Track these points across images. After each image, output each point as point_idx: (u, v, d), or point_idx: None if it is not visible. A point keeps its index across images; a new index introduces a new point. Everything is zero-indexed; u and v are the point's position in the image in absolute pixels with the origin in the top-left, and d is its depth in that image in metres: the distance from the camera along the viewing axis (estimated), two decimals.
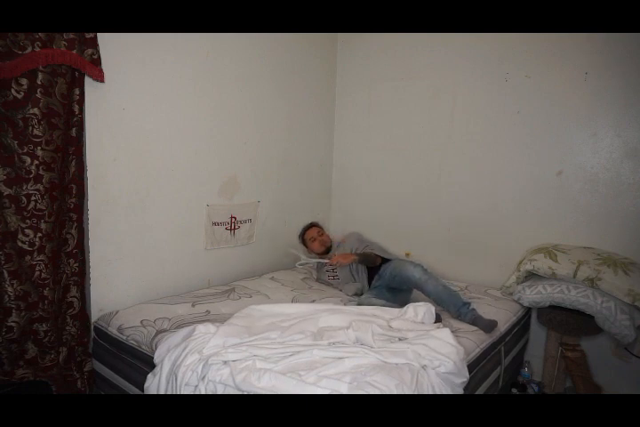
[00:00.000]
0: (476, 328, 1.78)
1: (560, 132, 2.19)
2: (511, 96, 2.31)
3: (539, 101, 2.23)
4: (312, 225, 2.64)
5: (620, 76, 2.01)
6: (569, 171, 2.18)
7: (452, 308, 1.89)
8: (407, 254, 2.75)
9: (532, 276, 2.14)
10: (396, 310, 1.75)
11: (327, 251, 2.52)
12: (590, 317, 1.86)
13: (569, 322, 1.96)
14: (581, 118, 2.13)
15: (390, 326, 1.58)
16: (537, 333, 2.33)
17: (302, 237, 2.61)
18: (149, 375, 1.43)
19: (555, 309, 2.00)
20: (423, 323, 1.64)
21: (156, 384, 1.37)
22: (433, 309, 1.72)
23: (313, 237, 2.53)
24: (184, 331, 1.50)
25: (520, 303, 2.08)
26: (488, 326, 1.78)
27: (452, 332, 1.52)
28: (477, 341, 1.67)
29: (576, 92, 2.13)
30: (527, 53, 2.25)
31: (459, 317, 1.86)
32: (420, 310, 1.69)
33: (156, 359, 1.45)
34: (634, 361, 2.03)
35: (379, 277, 2.23)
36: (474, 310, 1.88)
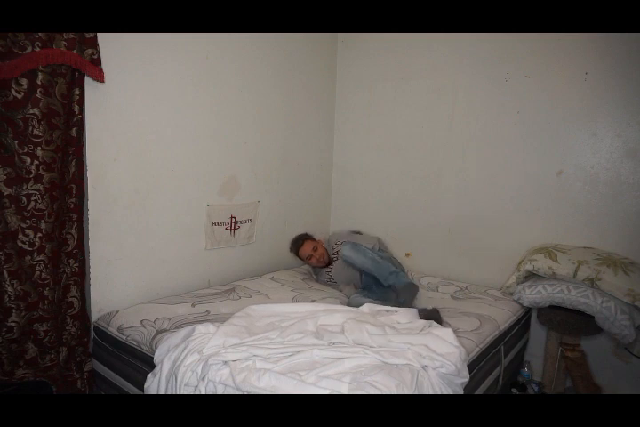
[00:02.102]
0: (477, 327, 1.78)
1: (560, 132, 2.19)
2: (511, 96, 2.31)
3: (539, 101, 2.23)
4: (303, 241, 2.49)
5: (620, 76, 2.01)
6: (569, 171, 2.18)
7: (381, 278, 1.95)
8: (407, 255, 2.75)
9: (532, 276, 2.14)
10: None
11: (329, 262, 2.47)
12: (590, 317, 1.86)
13: (569, 322, 1.96)
14: (581, 118, 2.13)
15: (389, 326, 1.58)
16: (537, 333, 2.33)
17: (297, 255, 2.52)
18: (149, 375, 1.43)
19: (555, 309, 2.00)
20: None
21: (156, 384, 1.37)
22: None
23: (309, 255, 2.44)
24: (184, 331, 1.50)
25: (520, 303, 2.08)
26: (410, 293, 1.85)
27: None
28: (477, 340, 1.67)
29: (576, 92, 2.13)
30: (527, 53, 2.25)
31: (389, 286, 1.92)
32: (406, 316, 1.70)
33: (156, 360, 1.45)
34: (634, 361, 2.03)
35: (363, 274, 2.25)
36: (404, 276, 1.96)
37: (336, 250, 2.44)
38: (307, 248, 2.44)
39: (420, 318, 1.78)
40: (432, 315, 1.81)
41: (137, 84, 1.85)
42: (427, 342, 1.42)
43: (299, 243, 2.49)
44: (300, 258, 2.54)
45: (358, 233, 2.70)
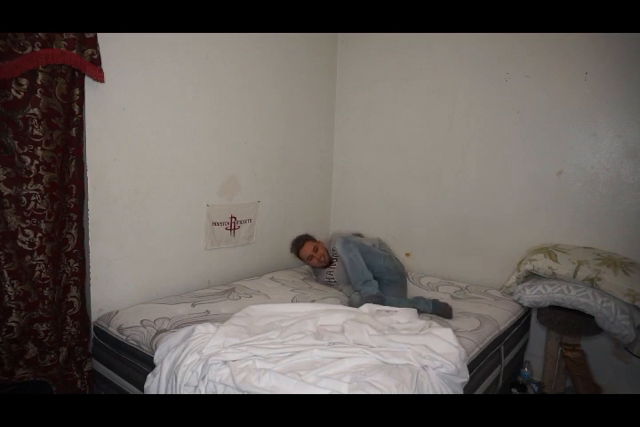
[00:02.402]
0: (476, 327, 1.78)
1: (560, 132, 2.19)
2: (511, 96, 2.31)
3: (539, 101, 2.23)
4: (304, 241, 2.48)
5: (620, 76, 2.01)
6: (569, 171, 2.18)
7: (352, 280, 2.11)
8: (407, 255, 2.75)
9: (532, 276, 2.14)
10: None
11: (330, 262, 2.46)
12: (590, 317, 1.86)
13: (569, 322, 1.96)
14: (581, 118, 2.13)
15: (389, 326, 1.58)
16: (537, 333, 2.33)
17: (297, 255, 2.51)
18: (149, 376, 1.43)
19: (555, 309, 2.00)
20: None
21: (156, 384, 1.37)
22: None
23: (310, 255, 2.42)
24: (184, 331, 1.50)
25: (520, 303, 2.08)
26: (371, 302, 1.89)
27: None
28: (477, 340, 1.67)
29: (576, 92, 2.13)
30: (527, 53, 2.25)
31: (357, 291, 2.03)
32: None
33: (156, 360, 1.45)
34: (634, 361, 2.03)
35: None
36: (371, 285, 2.02)
37: (332, 249, 2.45)
38: (307, 249, 2.44)
39: (432, 309, 1.84)
40: (444, 311, 1.85)
41: (137, 84, 1.85)
42: (426, 342, 1.42)
43: (299, 243, 2.49)
44: (300, 259, 2.53)
45: (359, 235, 2.70)
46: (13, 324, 1.53)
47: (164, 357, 1.41)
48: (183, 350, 1.38)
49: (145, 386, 1.42)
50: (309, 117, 2.83)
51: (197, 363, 1.32)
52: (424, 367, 1.31)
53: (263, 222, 2.60)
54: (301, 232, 2.67)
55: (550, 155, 2.22)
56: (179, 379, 1.30)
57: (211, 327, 1.48)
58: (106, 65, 1.67)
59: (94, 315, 1.84)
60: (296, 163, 2.78)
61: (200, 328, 1.47)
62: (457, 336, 1.51)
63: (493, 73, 2.36)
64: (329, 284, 2.42)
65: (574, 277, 1.91)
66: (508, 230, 2.38)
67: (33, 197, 1.53)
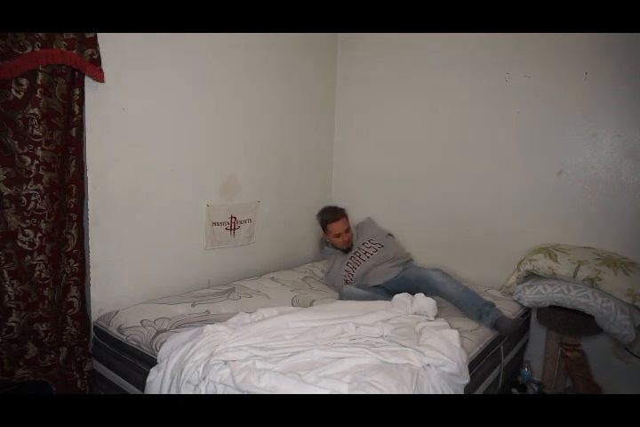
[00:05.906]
0: (476, 327, 1.78)
1: (560, 132, 2.19)
2: (511, 96, 2.31)
3: (539, 101, 2.23)
4: (341, 216, 2.38)
5: (620, 76, 2.01)
6: (569, 171, 2.18)
7: (473, 308, 1.81)
8: (407, 255, 2.75)
9: (532, 276, 2.14)
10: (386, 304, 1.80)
11: (350, 248, 2.44)
12: (590, 317, 1.86)
13: (569, 322, 1.96)
14: (581, 118, 2.13)
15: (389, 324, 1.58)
16: (537, 333, 2.33)
17: (324, 226, 2.42)
18: (153, 370, 1.42)
19: (555, 309, 1.99)
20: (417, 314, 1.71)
21: (160, 379, 1.37)
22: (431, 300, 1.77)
23: (339, 233, 2.38)
24: (193, 330, 1.51)
25: (520, 303, 2.07)
26: (509, 328, 1.72)
27: None
28: (477, 340, 1.68)
29: (576, 92, 2.13)
30: (527, 53, 2.25)
31: (480, 317, 1.79)
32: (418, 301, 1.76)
33: (162, 355, 1.45)
34: (634, 361, 2.03)
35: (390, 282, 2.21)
36: (498, 309, 1.82)
37: (362, 241, 2.42)
38: (340, 226, 2.37)
39: (500, 331, 1.76)
40: (513, 326, 1.74)
41: (137, 84, 1.84)
42: (430, 341, 1.42)
43: (336, 216, 2.38)
44: (324, 230, 2.46)
45: (390, 235, 2.64)
46: (13, 324, 1.53)
47: (172, 352, 1.40)
48: (192, 347, 1.38)
49: (147, 380, 1.41)
50: (309, 117, 2.83)
51: (203, 361, 1.32)
52: (425, 367, 1.32)
53: (263, 222, 2.60)
54: (301, 232, 2.66)
55: (550, 155, 2.22)
56: (183, 374, 1.30)
57: (220, 327, 1.49)
58: (106, 65, 1.67)
59: (94, 315, 1.84)
60: (296, 163, 2.78)
61: (209, 327, 1.48)
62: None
63: (493, 73, 2.36)
64: (334, 276, 2.39)
65: (574, 277, 1.91)
66: (508, 230, 2.38)
67: (33, 197, 1.53)
